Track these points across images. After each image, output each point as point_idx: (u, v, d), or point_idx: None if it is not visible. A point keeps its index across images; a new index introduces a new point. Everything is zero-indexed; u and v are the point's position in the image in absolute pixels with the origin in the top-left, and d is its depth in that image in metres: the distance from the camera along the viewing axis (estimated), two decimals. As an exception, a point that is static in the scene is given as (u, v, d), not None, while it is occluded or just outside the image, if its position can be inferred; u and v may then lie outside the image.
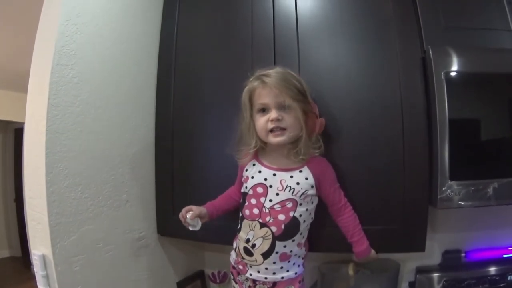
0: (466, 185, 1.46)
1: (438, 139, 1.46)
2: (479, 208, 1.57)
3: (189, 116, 1.87)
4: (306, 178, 1.47)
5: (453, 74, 1.48)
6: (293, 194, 1.45)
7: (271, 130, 1.45)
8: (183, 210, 1.55)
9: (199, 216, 1.55)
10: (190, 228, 1.54)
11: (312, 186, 1.48)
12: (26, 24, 3.16)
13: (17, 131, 6.83)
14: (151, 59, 1.98)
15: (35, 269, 1.55)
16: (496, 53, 1.55)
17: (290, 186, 1.46)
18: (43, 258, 1.51)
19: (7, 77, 5.13)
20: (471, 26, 1.61)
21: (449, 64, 1.48)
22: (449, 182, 1.45)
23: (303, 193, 1.46)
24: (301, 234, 1.48)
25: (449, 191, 1.45)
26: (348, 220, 1.52)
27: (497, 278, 1.77)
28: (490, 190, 1.46)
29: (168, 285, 2.10)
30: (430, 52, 1.49)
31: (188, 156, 1.87)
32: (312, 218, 1.53)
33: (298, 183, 1.46)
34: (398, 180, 1.52)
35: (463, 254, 1.88)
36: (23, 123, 1.57)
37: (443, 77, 1.46)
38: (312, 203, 1.51)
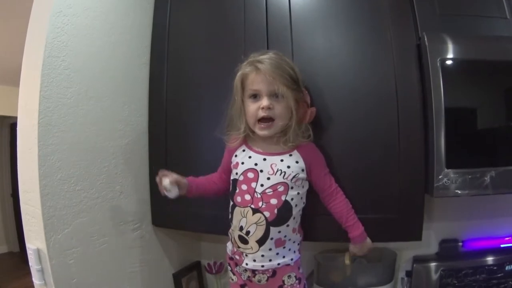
0: (462, 173, 1.45)
1: (434, 127, 1.45)
2: (477, 197, 1.57)
3: (182, 106, 1.87)
4: (297, 162, 1.47)
5: (448, 61, 1.46)
6: (284, 177, 1.45)
7: (260, 120, 1.44)
8: (160, 173, 1.50)
9: (178, 184, 1.49)
10: (166, 193, 1.48)
11: (302, 170, 1.48)
12: (20, 19, 3.15)
13: (13, 126, 6.82)
14: (143, 49, 1.97)
15: (30, 263, 1.54)
16: (492, 41, 1.54)
17: (281, 170, 1.45)
18: (38, 252, 1.50)
19: (2, 72, 5.12)
20: (466, 13, 1.60)
21: (445, 51, 1.46)
22: (446, 170, 1.44)
23: (294, 176, 1.45)
24: (294, 218, 1.48)
25: (445, 179, 1.44)
26: (340, 205, 1.52)
27: (495, 268, 1.77)
28: (487, 178, 1.46)
29: (164, 276, 2.10)
30: (425, 39, 1.47)
31: (182, 146, 1.86)
32: (304, 203, 1.53)
33: (288, 167, 1.46)
34: (394, 168, 1.52)
35: (460, 244, 1.87)
36: (18, 118, 1.57)
37: (438, 64, 1.45)
38: (303, 187, 1.51)
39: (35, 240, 1.52)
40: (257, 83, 1.43)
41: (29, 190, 1.50)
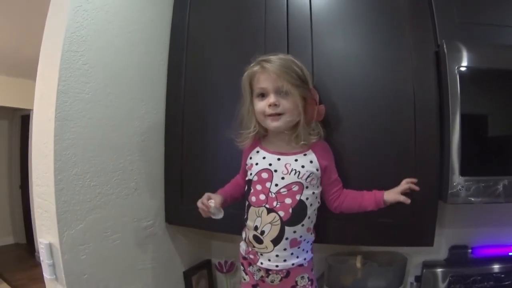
0: (476, 181, 1.45)
1: (450, 134, 1.44)
2: (488, 204, 1.57)
3: (199, 105, 1.87)
4: (311, 161, 1.48)
5: (467, 69, 1.46)
6: (299, 177, 1.45)
7: (269, 115, 1.45)
8: (204, 198, 1.52)
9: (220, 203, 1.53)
10: (213, 217, 1.51)
11: (317, 169, 1.48)
12: (33, 11, 3.17)
13: (24, 118, 6.86)
14: (162, 46, 1.98)
15: (41, 258, 1.55)
16: (510, 50, 1.53)
17: (295, 170, 1.46)
18: (50, 246, 1.51)
19: (13, 64, 5.13)
20: (485, 22, 1.59)
21: (463, 59, 1.46)
22: (460, 177, 1.44)
23: (308, 176, 1.46)
24: (309, 218, 1.48)
25: (459, 186, 1.44)
26: (349, 190, 1.53)
27: (503, 275, 1.77)
28: (500, 187, 1.45)
29: (174, 274, 2.10)
30: (444, 47, 1.47)
31: (197, 145, 1.87)
32: (319, 202, 1.53)
33: (303, 166, 1.46)
34: (409, 173, 1.50)
35: (469, 250, 1.87)
36: (29, 110, 1.58)
37: (456, 72, 1.45)
38: (318, 187, 1.52)
39: (47, 234, 1.53)
40: (263, 81, 1.45)
41: (43, 184, 1.51)
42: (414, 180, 1.43)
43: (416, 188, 1.43)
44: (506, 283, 1.76)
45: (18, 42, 4.20)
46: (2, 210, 7.16)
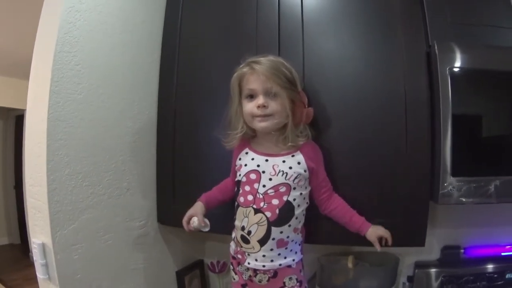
0: (467, 181, 1.46)
1: (441, 134, 1.45)
2: (480, 205, 1.58)
3: (191, 104, 1.87)
4: (299, 163, 1.49)
5: (457, 70, 1.47)
6: (286, 178, 1.46)
7: (257, 116, 1.46)
8: (184, 221, 1.58)
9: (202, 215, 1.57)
10: (202, 230, 1.55)
11: (305, 171, 1.49)
12: (27, 11, 3.17)
13: (18, 118, 6.85)
14: (154, 47, 1.98)
15: (34, 258, 1.55)
16: (501, 51, 1.55)
17: (282, 171, 1.47)
18: (43, 246, 1.51)
19: (8, 64, 5.13)
20: (477, 23, 1.60)
21: (454, 60, 1.47)
22: (451, 178, 1.45)
23: (296, 177, 1.47)
24: (296, 218, 1.49)
25: (450, 187, 1.45)
26: (339, 198, 1.56)
27: (495, 275, 1.77)
28: (491, 187, 1.46)
29: (167, 274, 2.10)
30: (436, 47, 1.48)
31: (189, 145, 1.87)
32: (307, 203, 1.54)
33: (290, 167, 1.47)
34: (400, 174, 1.52)
35: (462, 251, 1.88)
36: (24, 110, 1.57)
37: (447, 73, 1.45)
38: (306, 188, 1.53)
39: (40, 234, 1.52)
40: (252, 82, 1.46)
41: (36, 184, 1.51)
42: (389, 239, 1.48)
43: (389, 242, 1.48)
44: (499, 283, 1.76)
45: (14, 42, 4.19)
46: (-4, 211, 7.14)
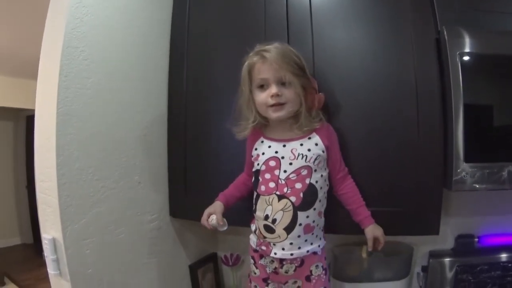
0: (481, 167, 1.44)
1: (453, 121, 1.43)
2: (493, 192, 1.57)
3: (201, 97, 1.87)
4: (316, 144, 1.48)
5: (468, 55, 1.45)
6: (307, 161, 1.46)
7: (271, 105, 1.45)
8: (204, 219, 1.58)
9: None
10: (220, 229, 1.55)
11: (323, 151, 1.49)
12: (35, 11, 3.17)
13: (29, 118, 6.90)
14: (163, 40, 1.97)
15: (45, 253, 1.54)
16: (511, 36, 1.52)
17: (302, 154, 1.46)
18: (54, 241, 1.51)
19: (18, 65, 5.15)
20: (485, 9, 1.58)
21: (464, 45, 1.45)
22: (464, 164, 1.43)
23: (316, 158, 1.46)
24: (320, 201, 1.48)
25: (463, 173, 1.43)
26: (352, 185, 1.55)
27: (510, 265, 1.75)
28: (504, 173, 1.44)
29: (180, 268, 2.11)
30: (445, 33, 1.46)
31: (201, 137, 1.87)
32: (327, 185, 1.54)
33: (309, 150, 1.47)
34: (413, 161, 1.51)
35: (476, 239, 1.86)
36: (34, 110, 1.57)
37: (457, 58, 1.44)
38: (325, 169, 1.52)
39: (50, 229, 1.53)
40: (264, 71, 1.44)
41: (46, 179, 1.51)
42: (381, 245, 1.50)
43: (379, 248, 1.50)
44: (514, 272, 1.74)
45: (22, 42, 4.21)
46: (9, 211, 7.20)
